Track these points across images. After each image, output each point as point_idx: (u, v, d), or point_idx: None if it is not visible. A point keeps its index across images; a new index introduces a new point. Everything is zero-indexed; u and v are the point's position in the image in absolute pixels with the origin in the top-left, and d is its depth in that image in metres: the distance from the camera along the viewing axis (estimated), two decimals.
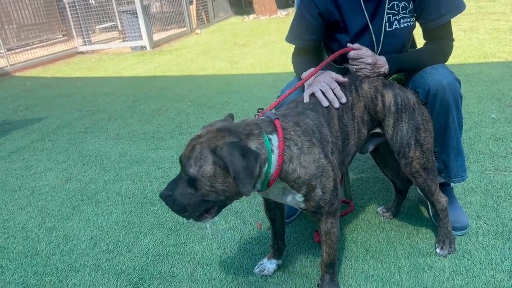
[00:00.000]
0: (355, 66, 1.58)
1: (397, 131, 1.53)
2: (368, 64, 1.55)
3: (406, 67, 1.65)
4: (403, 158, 1.56)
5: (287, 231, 1.88)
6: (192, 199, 1.26)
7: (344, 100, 1.47)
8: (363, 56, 1.55)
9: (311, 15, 1.73)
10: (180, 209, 1.27)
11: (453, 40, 1.70)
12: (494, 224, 1.80)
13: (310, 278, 1.63)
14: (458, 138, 1.67)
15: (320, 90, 1.48)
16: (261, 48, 6.76)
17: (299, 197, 1.37)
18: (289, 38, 1.86)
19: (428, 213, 1.92)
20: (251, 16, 11.07)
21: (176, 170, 2.69)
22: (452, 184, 1.84)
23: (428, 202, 1.90)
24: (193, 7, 9.89)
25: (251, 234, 1.95)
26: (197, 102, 4.20)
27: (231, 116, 1.44)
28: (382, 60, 1.57)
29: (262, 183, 1.30)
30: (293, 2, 13.72)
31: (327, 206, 1.38)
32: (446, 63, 1.69)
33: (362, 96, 1.51)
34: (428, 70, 1.61)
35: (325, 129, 1.40)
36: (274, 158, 1.27)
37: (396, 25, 1.68)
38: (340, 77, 1.52)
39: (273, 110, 1.51)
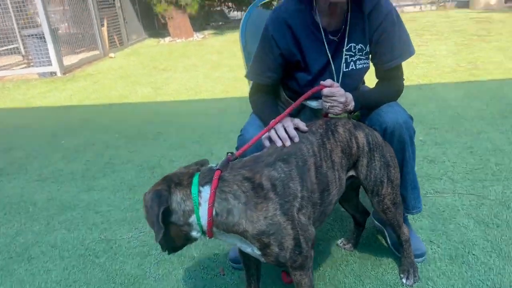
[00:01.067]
0: (328, 104, 1.57)
1: (371, 170, 1.55)
2: (340, 102, 1.55)
3: (367, 105, 1.70)
4: (376, 196, 1.59)
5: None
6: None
7: (297, 139, 1.45)
8: (337, 94, 1.55)
9: (272, 54, 1.73)
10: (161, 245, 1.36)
11: (403, 79, 1.78)
12: (447, 247, 1.90)
13: None
14: (414, 171, 1.74)
15: (274, 131, 1.48)
16: (183, 73, 6.65)
17: (256, 250, 1.33)
18: (250, 75, 1.86)
19: (386, 242, 1.97)
20: (167, 39, 10.90)
21: (115, 213, 2.50)
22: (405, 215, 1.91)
23: (386, 232, 1.96)
24: (104, 29, 9.47)
25: (214, 282, 1.85)
26: (125, 133, 3.97)
27: (204, 161, 1.43)
28: (350, 97, 1.59)
29: (199, 232, 1.31)
30: (209, 25, 13.89)
31: (289, 263, 1.35)
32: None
33: (339, 140, 1.50)
34: (385, 108, 1.67)
35: (295, 183, 1.34)
36: (203, 210, 1.27)
37: (352, 66, 1.73)
38: (301, 125, 1.51)
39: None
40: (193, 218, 1.28)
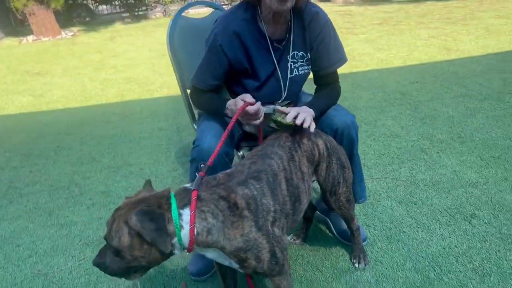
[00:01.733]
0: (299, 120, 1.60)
1: (329, 173, 1.67)
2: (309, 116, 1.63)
3: (321, 111, 1.81)
4: (334, 196, 1.73)
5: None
6: (120, 265, 1.29)
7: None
8: (302, 111, 1.61)
9: (219, 64, 1.78)
10: (112, 273, 1.32)
11: (339, 83, 1.95)
12: (382, 229, 2.15)
13: None
14: (360, 166, 1.93)
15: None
16: (64, 77, 6.13)
17: (234, 264, 1.38)
18: (195, 81, 1.89)
19: (331, 231, 2.15)
20: (30, 38, 9.85)
21: (41, 243, 2.27)
22: None
23: (331, 222, 2.14)
24: None
25: None
26: (19, 151, 3.56)
27: (148, 183, 1.45)
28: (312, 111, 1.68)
29: (179, 250, 1.32)
30: (74, 21, 12.84)
31: (268, 272, 1.41)
32: None
33: (304, 151, 1.59)
34: (333, 112, 1.82)
35: (267, 199, 1.40)
36: (184, 233, 1.28)
37: (296, 72, 1.85)
38: (247, 98, 1.64)
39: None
40: (175, 240, 1.28)
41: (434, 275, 1.81)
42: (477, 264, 1.84)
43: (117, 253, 1.26)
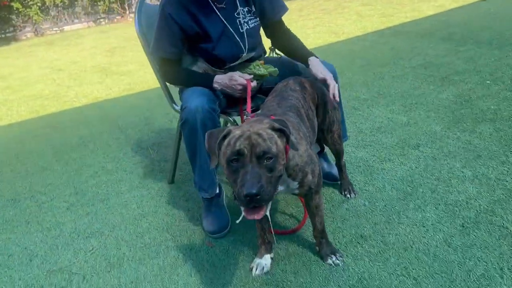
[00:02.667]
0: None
1: (325, 114, 1.98)
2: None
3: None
4: (330, 133, 2.04)
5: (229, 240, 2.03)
6: (271, 182, 1.34)
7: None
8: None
9: (171, 31, 1.99)
10: (268, 197, 1.32)
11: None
12: (354, 168, 2.53)
13: (303, 257, 1.89)
14: (342, 109, 2.28)
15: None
16: None
17: (295, 185, 1.62)
18: (155, 51, 2.09)
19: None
20: None
21: (32, 249, 2.19)
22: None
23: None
24: None
25: (209, 254, 1.97)
26: None
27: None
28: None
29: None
30: None
31: (316, 187, 1.69)
32: None
33: (309, 94, 1.88)
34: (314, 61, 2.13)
35: (302, 127, 1.69)
36: None
37: (246, 26, 2.11)
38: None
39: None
40: None
41: (410, 189, 2.23)
42: (438, 175, 2.31)
43: (273, 163, 1.33)
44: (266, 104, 1.80)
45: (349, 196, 2.24)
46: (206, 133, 1.47)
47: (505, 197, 2.04)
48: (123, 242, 2.15)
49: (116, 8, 12.07)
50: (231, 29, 2.06)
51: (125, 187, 2.70)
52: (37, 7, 11.20)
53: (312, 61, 2.03)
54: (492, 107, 3.00)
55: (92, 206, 2.52)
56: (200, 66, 2.13)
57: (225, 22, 2.04)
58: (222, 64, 2.11)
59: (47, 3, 11.26)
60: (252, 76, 2.01)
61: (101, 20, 12.23)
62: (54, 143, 3.63)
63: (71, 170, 3.06)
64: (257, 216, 1.32)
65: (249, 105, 1.88)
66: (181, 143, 2.54)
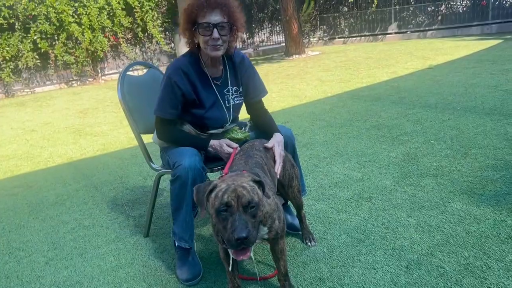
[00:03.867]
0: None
1: (285, 171, 2.28)
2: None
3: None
4: (290, 188, 2.33)
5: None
6: (255, 227, 1.63)
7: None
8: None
9: (174, 95, 2.31)
10: (254, 239, 1.60)
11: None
12: (314, 219, 2.81)
13: None
14: (300, 166, 2.59)
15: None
16: None
17: (265, 230, 1.87)
18: (158, 112, 2.37)
19: None
20: None
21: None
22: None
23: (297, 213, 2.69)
24: None
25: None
26: None
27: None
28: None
29: None
30: None
31: (281, 232, 1.94)
32: None
33: (271, 155, 2.20)
34: (279, 128, 2.47)
35: (267, 180, 1.99)
36: None
37: (232, 102, 2.46)
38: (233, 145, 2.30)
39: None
40: None
41: (363, 236, 2.52)
42: (387, 224, 2.62)
43: (255, 211, 1.60)
44: (235, 162, 2.09)
45: (309, 244, 2.50)
46: (194, 188, 1.75)
47: (443, 241, 2.35)
48: None
49: (88, 71, 12.45)
50: (221, 102, 2.40)
51: (102, 241, 2.86)
52: (10, 70, 11.43)
53: (275, 136, 2.34)
54: (434, 163, 3.40)
55: (70, 260, 2.66)
56: (186, 129, 2.43)
57: (217, 95, 2.39)
58: (206, 129, 2.43)
59: (19, 66, 11.53)
60: (238, 145, 2.32)
61: (73, 82, 12.53)
62: (30, 201, 3.76)
63: (48, 226, 3.19)
64: (245, 257, 1.61)
65: (228, 165, 2.17)
66: (155, 199, 2.77)
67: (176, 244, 2.40)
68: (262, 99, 2.55)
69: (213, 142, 2.33)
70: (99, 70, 12.71)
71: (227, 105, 2.43)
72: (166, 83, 2.31)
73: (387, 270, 2.18)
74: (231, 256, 1.78)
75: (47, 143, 5.93)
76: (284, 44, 13.76)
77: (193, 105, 2.36)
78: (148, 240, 2.81)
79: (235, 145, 2.32)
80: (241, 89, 2.48)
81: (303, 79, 8.60)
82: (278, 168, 2.19)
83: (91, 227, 3.09)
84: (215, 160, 2.46)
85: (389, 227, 2.58)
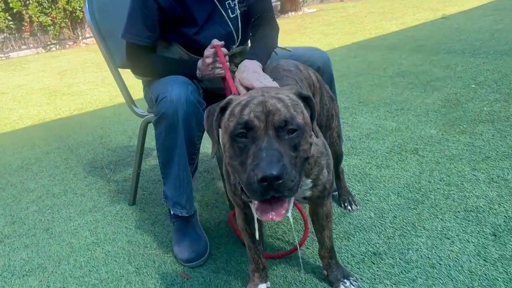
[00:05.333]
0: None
1: (323, 105, 1.63)
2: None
3: (265, 56, 1.67)
4: (329, 130, 1.68)
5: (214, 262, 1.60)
6: (297, 164, 0.97)
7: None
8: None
9: (148, 11, 1.62)
10: (294, 184, 0.94)
11: (274, 14, 1.84)
12: (351, 178, 2.18)
13: (307, 284, 1.49)
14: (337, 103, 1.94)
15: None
16: None
17: (307, 184, 1.24)
18: (129, 36, 1.68)
19: None
20: None
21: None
22: None
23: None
24: None
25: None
26: None
27: None
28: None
29: None
30: None
31: (330, 187, 1.32)
32: None
33: (305, 77, 1.53)
34: (309, 52, 1.80)
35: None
36: None
37: (238, 10, 1.74)
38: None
39: None
40: None
41: (420, 196, 1.90)
42: (447, 180, 2.00)
43: (299, 140, 0.97)
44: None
45: (350, 208, 1.88)
46: (206, 110, 1.10)
47: None
48: (72, 280, 1.67)
49: (68, 33, 11.51)
50: (223, 12, 1.68)
51: (75, 212, 2.21)
52: None
53: (243, 63, 1.54)
54: (485, 108, 2.77)
55: (32, 237, 2.02)
56: (174, 52, 1.74)
57: (216, 3, 1.67)
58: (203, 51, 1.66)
59: None
60: (223, 42, 1.61)
61: (52, 46, 11.61)
62: None
63: (8, 195, 2.53)
64: (277, 216, 0.95)
65: (230, 83, 1.47)
66: (142, 156, 2.11)
67: (171, 212, 1.76)
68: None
69: (199, 62, 1.63)
70: (79, 33, 11.75)
71: (231, 15, 1.72)
72: None
73: (467, 239, 1.57)
74: (255, 217, 1.14)
75: (17, 104, 5.19)
76: (278, 2, 12.92)
77: (180, 22, 1.66)
78: (134, 209, 2.17)
79: (216, 41, 1.57)
80: None
81: (303, 34, 7.84)
82: None
83: (62, 195, 2.43)
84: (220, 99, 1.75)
85: (451, 183, 1.96)
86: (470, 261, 1.46)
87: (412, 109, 2.99)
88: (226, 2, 1.70)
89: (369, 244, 1.63)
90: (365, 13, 9.44)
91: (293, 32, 8.25)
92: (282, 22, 10.51)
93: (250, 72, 1.45)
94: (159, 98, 1.54)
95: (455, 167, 2.10)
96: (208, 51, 1.57)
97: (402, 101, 3.17)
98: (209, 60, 1.57)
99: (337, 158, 1.82)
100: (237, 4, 1.73)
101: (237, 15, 1.73)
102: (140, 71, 1.79)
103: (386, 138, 2.56)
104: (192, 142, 1.59)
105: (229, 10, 1.71)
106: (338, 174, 1.89)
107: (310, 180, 1.23)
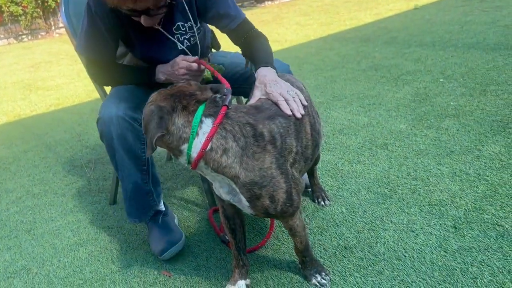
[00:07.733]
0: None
1: (314, 122, 1.61)
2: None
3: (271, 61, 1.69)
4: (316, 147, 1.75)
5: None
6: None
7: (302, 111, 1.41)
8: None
9: (98, 30, 1.62)
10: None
11: (256, 28, 1.83)
12: (324, 172, 2.29)
13: (283, 278, 1.59)
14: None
15: (283, 97, 1.40)
16: None
17: (244, 201, 1.29)
18: (83, 51, 1.70)
19: None
20: None
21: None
22: None
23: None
24: None
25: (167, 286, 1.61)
26: None
27: (217, 90, 1.31)
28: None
29: (185, 161, 1.24)
30: None
31: (279, 214, 1.34)
32: None
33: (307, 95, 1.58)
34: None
35: (291, 139, 1.35)
36: (197, 141, 1.20)
37: (187, 43, 1.76)
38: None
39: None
40: (184, 147, 1.21)
41: (388, 191, 2.01)
42: (414, 174, 2.12)
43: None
44: (266, 100, 1.42)
45: (323, 203, 1.98)
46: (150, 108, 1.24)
47: (491, 192, 1.87)
48: (57, 280, 1.73)
49: (40, 23, 11.25)
50: (174, 42, 1.72)
51: (56, 213, 2.25)
52: None
53: (259, 71, 1.54)
54: (451, 103, 2.90)
55: (14, 239, 2.06)
56: (131, 60, 1.79)
57: (165, 34, 1.69)
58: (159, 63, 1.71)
59: None
60: (196, 58, 1.66)
61: (24, 36, 11.33)
62: None
63: None
64: None
65: (221, 77, 1.49)
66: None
67: None
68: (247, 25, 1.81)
69: (160, 66, 1.67)
70: (51, 23, 11.50)
71: (179, 48, 1.74)
72: (86, 13, 1.61)
73: (430, 232, 1.69)
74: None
75: None
76: None
77: (129, 45, 1.73)
78: (115, 208, 2.22)
79: (192, 57, 1.63)
80: (198, 24, 1.77)
81: (280, 24, 7.89)
82: (287, 109, 1.40)
83: (43, 195, 2.47)
84: None
85: (417, 177, 2.08)
86: (432, 252, 1.58)
87: (383, 103, 3.10)
88: (176, 35, 1.72)
89: (340, 238, 1.74)
90: (340, 2, 9.53)
91: (269, 23, 8.28)
92: (259, 12, 10.53)
93: (271, 80, 1.46)
94: (97, 118, 1.62)
95: (421, 161, 2.22)
96: (182, 63, 1.60)
97: (374, 96, 3.29)
98: (182, 71, 1.61)
99: (316, 162, 1.91)
100: (190, 37, 1.75)
101: (186, 46, 1.76)
102: (99, 81, 1.83)
103: (358, 133, 2.67)
104: (135, 155, 1.65)
105: (178, 43, 1.73)
106: (312, 171, 1.99)
107: (244, 199, 1.28)
